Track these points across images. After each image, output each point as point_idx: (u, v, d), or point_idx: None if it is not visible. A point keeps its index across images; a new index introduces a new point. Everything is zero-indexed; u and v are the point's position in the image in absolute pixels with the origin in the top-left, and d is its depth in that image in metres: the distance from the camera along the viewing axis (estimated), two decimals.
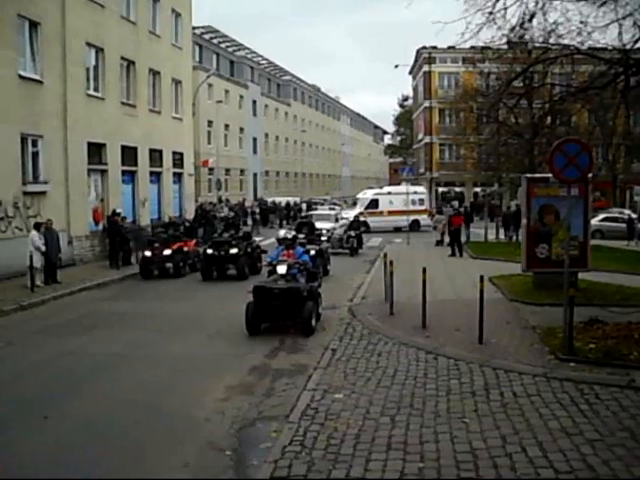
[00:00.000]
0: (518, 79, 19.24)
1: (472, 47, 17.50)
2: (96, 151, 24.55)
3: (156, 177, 30.26)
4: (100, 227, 24.59)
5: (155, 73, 29.72)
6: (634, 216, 35.26)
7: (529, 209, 15.25)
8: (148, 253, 20.84)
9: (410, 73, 71.76)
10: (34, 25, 20.83)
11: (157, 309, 15.51)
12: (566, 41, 14.31)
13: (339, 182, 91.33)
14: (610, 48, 14.07)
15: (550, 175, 11.94)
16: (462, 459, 6.34)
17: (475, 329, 10.95)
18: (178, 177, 33.04)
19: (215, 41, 53.78)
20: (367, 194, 42.92)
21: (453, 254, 25.21)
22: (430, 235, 33.06)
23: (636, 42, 12.90)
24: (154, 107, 29.70)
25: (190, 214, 32.94)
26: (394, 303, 13.71)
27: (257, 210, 43.10)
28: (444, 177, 61.05)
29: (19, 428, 7.68)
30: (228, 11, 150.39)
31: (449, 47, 44.45)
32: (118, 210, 24.20)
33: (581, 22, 13.38)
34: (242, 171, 56.56)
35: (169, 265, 20.96)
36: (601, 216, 34.74)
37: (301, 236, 19.97)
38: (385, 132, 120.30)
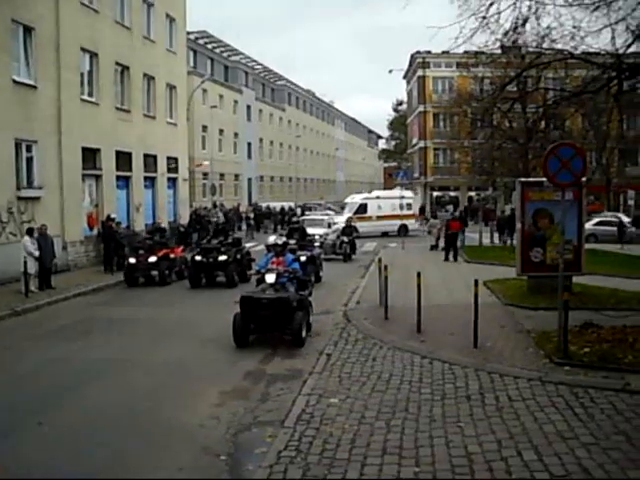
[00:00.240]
0: (512, 84, 19.28)
1: (466, 52, 17.55)
2: (90, 156, 24.50)
3: (150, 182, 30.23)
4: (95, 232, 24.55)
5: (150, 78, 29.71)
6: (625, 220, 35.39)
7: (523, 213, 15.27)
8: (133, 260, 20.14)
9: (404, 78, 71.97)
10: (28, 30, 20.81)
11: (151, 315, 15.44)
12: (559, 46, 14.38)
13: (334, 187, 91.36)
14: (603, 52, 14.12)
15: (544, 179, 11.98)
16: (457, 463, 6.33)
17: (470, 333, 10.95)
18: (173, 182, 33.02)
19: (209, 46, 53.80)
20: (355, 199, 42.33)
21: (447, 259, 25.20)
22: (423, 239, 33.10)
23: (629, 46, 12.98)
24: (148, 112, 29.68)
25: (185, 219, 32.93)
26: (389, 308, 13.70)
27: (251, 215, 43.06)
28: (438, 181, 61.16)
29: (13, 434, 7.65)
30: (222, 15, 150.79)
31: (443, 52, 44.46)
32: (113, 215, 24.15)
33: (574, 27, 13.43)
34: (236, 176, 56.52)
35: (155, 273, 20.29)
36: (595, 220, 34.83)
37: (292, 242, 19.63)
38: (379, 137, 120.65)
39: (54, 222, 21.12)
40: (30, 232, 18.10)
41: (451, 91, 53.48)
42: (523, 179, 17.66)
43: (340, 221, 32.26)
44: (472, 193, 54.76)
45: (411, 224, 38.93)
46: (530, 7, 13.18)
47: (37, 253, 17.70)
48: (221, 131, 52.32)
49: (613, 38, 13.38)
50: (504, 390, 8.58)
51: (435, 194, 61.43)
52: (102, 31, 25.22)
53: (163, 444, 7.41)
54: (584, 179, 13.07)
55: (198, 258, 19.75)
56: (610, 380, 8.77)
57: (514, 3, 13.04)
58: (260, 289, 12.52)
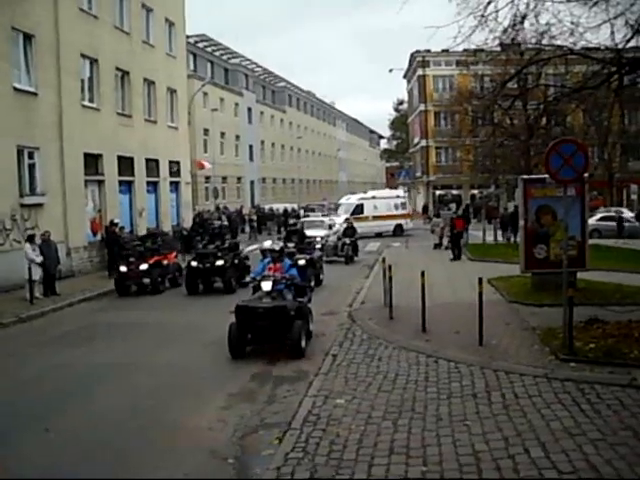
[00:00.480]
0: (512, 81, 19.24)
1: (465, 50, 17.54)
2: (92, 162, 24.56)
3: (153, 187, 30.27)
4: (98, 238, 24.60)
5: (150, 83, 29.75)
6: (628, 214, 35.40)
7: (526, 210, 15.26)
8: (123, 268, 19.14)
9: (404, 77, 71.99)
10: (28, 37, 20.87)
11: (156, 319, 15.44)
12: (559, 42, 14.33)
13: (336, 187, 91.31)
14: (603, 48, 14.08)
15: (546, 176, 11.96)
16: (465, 462, 6.33)
17: (475, 331, 10.94)
18: (175, 186, 33.06)
19: (209, 49, 53.91)
20: (351, 199, 41.80)
21: (454, 258, 24.93)
22: (426, 238, 33.07)
23: (628, 41, 12.93)
24: (149, 117, 29.73)
25: (188, 223, 32.95)
26: (393, 307, 13.69)
27: (254, 217, 43.05)
28: (441, 180, 61.19)
29: (19, 440, 7.66)
30: (221, 17, 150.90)
31: (443, 50, 44.55)
32: (116, 220, 24.19)
33: (573, 23, 13.39)
34: (239, 179, 56.60)
35: (147, 281, 19.27)
36: (598, 215, 34.82)
37: (291, 245, 19.29)
38: (381, 137, 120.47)
39: (57, 228, 21.16)
40: (31, 239, 18.05)
41: (451, 89, 53.60)
42: (525, 176, 17.64)
43: (337, 222, 31.79)
44: (475, 191, 54.73)
45: (406, 224, 38.99)
46: (528, 4, 13.15)
47: (39, 259, 17.67)
48: (222, 134, 52.41)
49: (612, 33, 13.34)
50: (510, 387, 8.57)
51: (438, 193, 61.42)
52: (101, 37, 25.27)
53: (169, 448, 7.40)
54: (586, 175, 13.05)
55: (194, 264, 19.04)
56: (616, 375, 8.76)
57: (512, 1, 13.00)
58: (256, 297, 11.89)
